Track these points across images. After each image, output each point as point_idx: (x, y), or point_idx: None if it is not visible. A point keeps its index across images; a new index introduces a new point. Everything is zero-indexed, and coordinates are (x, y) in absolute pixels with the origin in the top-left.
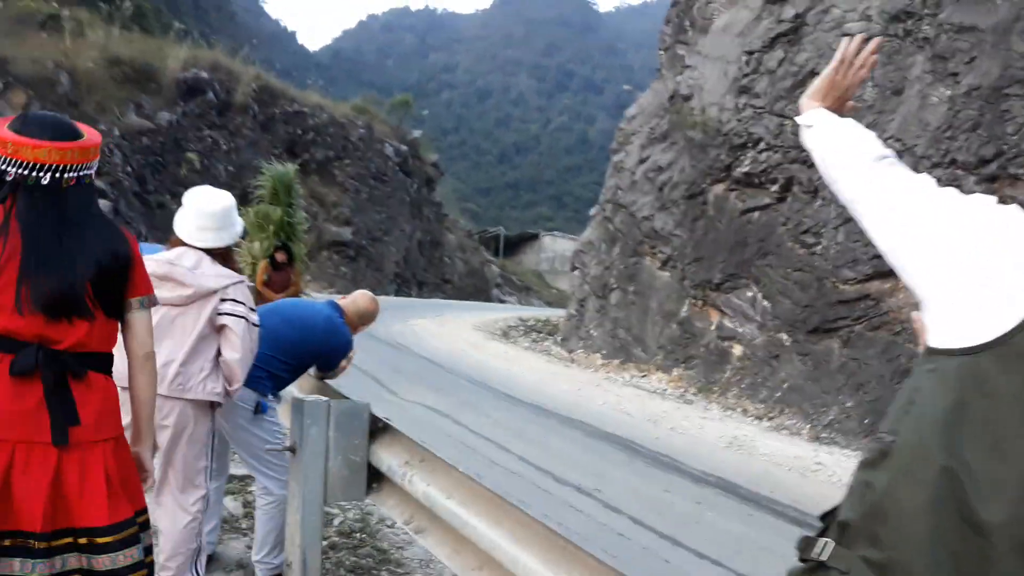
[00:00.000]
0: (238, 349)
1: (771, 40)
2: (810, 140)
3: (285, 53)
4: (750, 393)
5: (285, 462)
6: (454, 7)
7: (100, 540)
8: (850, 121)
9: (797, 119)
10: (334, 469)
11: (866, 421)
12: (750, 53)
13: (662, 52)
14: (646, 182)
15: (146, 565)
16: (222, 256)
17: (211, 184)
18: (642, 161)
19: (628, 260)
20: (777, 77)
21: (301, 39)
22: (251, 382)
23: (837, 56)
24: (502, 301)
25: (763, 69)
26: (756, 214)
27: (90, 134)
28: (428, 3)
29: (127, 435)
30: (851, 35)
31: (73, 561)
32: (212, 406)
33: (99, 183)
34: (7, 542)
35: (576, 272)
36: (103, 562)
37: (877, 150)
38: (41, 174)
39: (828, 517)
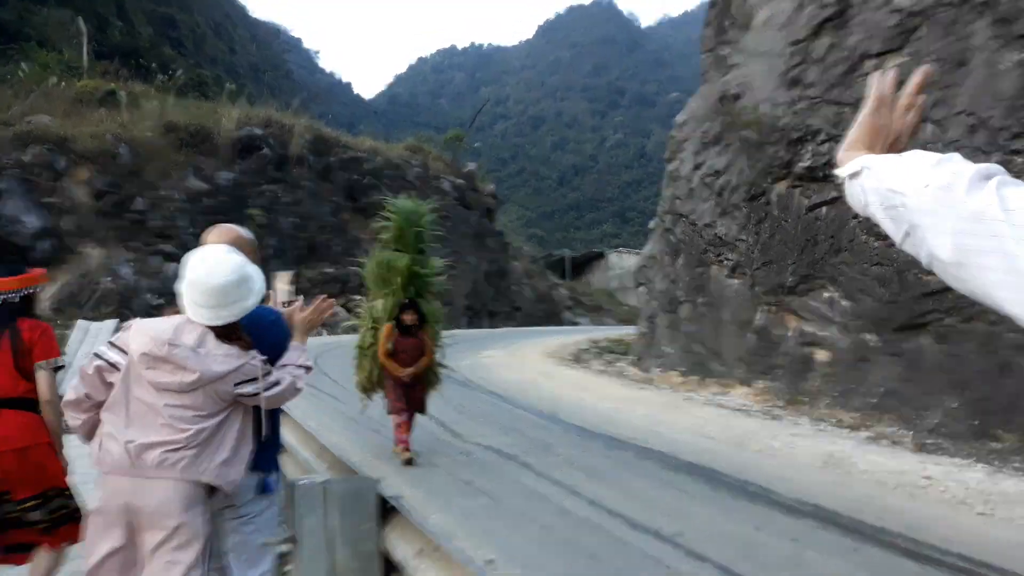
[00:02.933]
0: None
1: (816, 27)
2: (865, 188)
3: (342, 104)
4: (842, 401)
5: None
6: (499, 40)
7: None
8: (916, 152)
9: (837, 171)
10: (341, 563)
11: (975, 422)
12: (796, 43)
13: (705, 55)
14: (704, 188)
15: (52, 515)
16: (225, 334)
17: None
18: (697, 167)
19: (694, 271)
20: (828, 64)
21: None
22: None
23: (872, 96)
24: (574, 323)
25: (812, 58)
26: (823, 209)
27: (33, 272)
28: (473, 40)
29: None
30: (883, 70)
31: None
32: (210, 492)
33: (168, 247)
34: None
35: (642, 288)
36: (21, 514)
37: (976, 170)
38: None
39: None
